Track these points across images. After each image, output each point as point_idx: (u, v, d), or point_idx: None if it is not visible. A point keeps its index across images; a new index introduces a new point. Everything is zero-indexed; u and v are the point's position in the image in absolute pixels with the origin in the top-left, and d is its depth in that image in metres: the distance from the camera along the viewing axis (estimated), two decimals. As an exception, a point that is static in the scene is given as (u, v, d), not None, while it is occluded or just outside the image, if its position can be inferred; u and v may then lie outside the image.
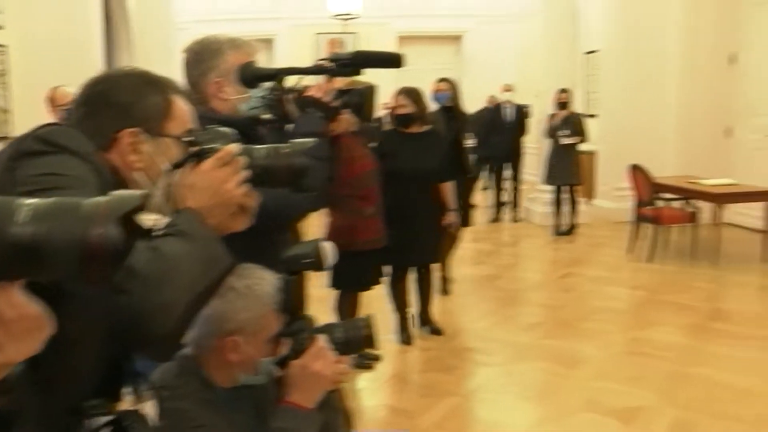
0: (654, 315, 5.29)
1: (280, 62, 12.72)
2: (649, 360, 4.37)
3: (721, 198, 6.68)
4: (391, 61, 2.05)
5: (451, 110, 5.72)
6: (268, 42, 13.36)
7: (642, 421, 3.60)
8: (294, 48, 12.81)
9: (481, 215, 9.49)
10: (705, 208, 6.94)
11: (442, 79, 5.92)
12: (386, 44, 13.58)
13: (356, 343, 1.75)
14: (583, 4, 10.12)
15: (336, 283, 4.25)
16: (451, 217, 4.79)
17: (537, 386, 4.14)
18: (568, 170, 8.09)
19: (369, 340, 1.78)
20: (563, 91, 8.15)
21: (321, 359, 1.64)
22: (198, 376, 1.62)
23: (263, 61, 2.13)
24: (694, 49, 8.61)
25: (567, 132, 8.00)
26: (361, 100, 2.13)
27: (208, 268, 1.21)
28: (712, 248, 6.70)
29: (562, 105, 8.11)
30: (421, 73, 13.52)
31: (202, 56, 2.05)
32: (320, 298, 4.20)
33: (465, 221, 5.57)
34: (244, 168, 1.29)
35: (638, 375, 4.15)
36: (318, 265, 1.67)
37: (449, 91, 5.81)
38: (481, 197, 10.29)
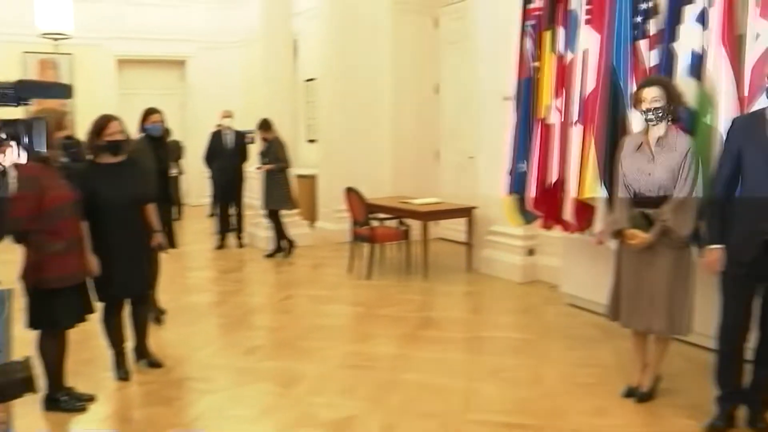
0: (369, 329, 5.54)
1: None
2: (362, 371, 4.55)
3: (428, 216, 7.21)
4: (60, 91, 1.95)
5: (158, 140, 5.66)
6: (-35, 58, 12.13)
7: (354, 429, 3.73)
8: (-3, 66, 11.69)
9: (207, 242, 9.39)
10: (417, 225, 7.39)
11: (154, 110, 5.75)
12: (104, 67, 12.98)
13: (12, 388, 1.58)
14: (302, 34, 10.48)
15: (32, 322, 3.90)
16: (158, 238, 4.67)
17: (256, 407, 4.10)
18: (280, 195, 8.29)
19: (27, 384, 1.62)
20: (264, 120, 8.36)
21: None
22: None
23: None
24: (403, 80, 9.28)
25: (266, 159, 8.29)
26: (30, 131, 1.98)
27: None
28: (423, 262, 7.19)
29: (264, 132, 8.37)
30: (146, 97, 13.07)
31: None
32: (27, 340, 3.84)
33: (172, 244, 5.51)
34: None
35: (351, 386, 4.29)
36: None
37: (161, 122, 5.72)
38: (207, 224, 10.19)
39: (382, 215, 7.61)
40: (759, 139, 3.40)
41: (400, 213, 7.46)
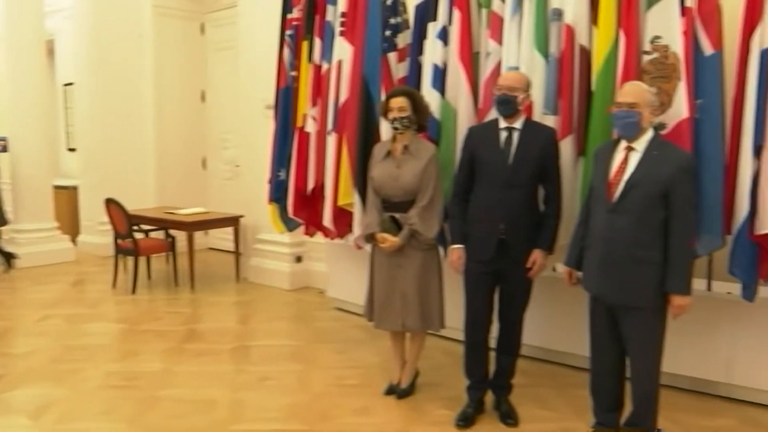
0: (132, 346, 5.28)
1: None
2: (123, 391, 4.34)
3: (193, 226, 7.03)
4: None
5: None
6: None
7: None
8: None
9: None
10: (185, 236, 7.18)
11: None
12: None
13: None
14: (59, 34, 9.80)
15: None
16: None
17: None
18: None
19: None
20: None
21: None
22: None
23: None
24: (167, 87, 8.95)
25: None
26: None
27: None
28: (190, 274, 7.03)
29: None
30: None
31: None
32: None
33: None
34: None
35: (110, 408, 4.08)
36: None
37: None
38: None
39: (146, 227, 7.33)
40: (491, 146, 3.73)
41: (164, 224, 7.22)
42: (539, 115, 4.06)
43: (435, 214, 4.02)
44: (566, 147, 3.98)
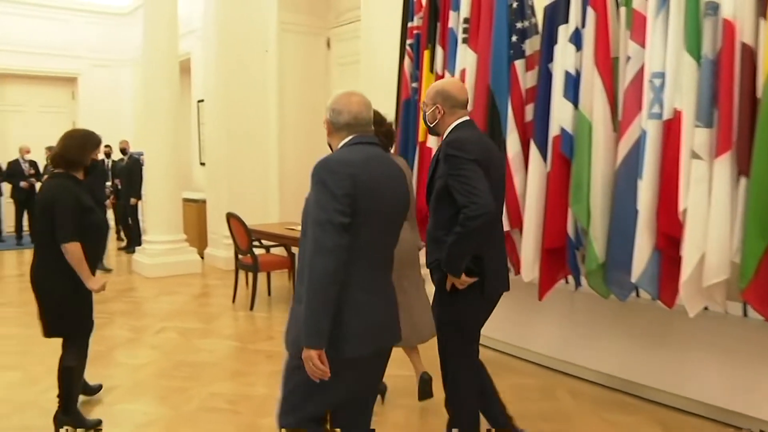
0: (240, 366, 5.09)
1: None
2: (223, 415, 4.12)
3: (313, 243, 6.81)
4: None
5: None
6: None
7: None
8: None
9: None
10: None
11: None
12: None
13: None
14: (195, 53, 10.02)
15: None
16: None
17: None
18: None
19: None
20: None
21: None
22: None
23: None
24: (292, 103, 8.84)
25: None
26: None
27: None
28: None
29: None
30: (34, 115, 12.45)
31: None
32: None
33: None
34: None
35: (209, 432, 3.87)
36: None
37: None
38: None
39: (268, 242, 7.21)
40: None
41: (285, 240, 7.06)
42: (691, 128, 3.43)
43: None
44: (723, 166, 3.32)
